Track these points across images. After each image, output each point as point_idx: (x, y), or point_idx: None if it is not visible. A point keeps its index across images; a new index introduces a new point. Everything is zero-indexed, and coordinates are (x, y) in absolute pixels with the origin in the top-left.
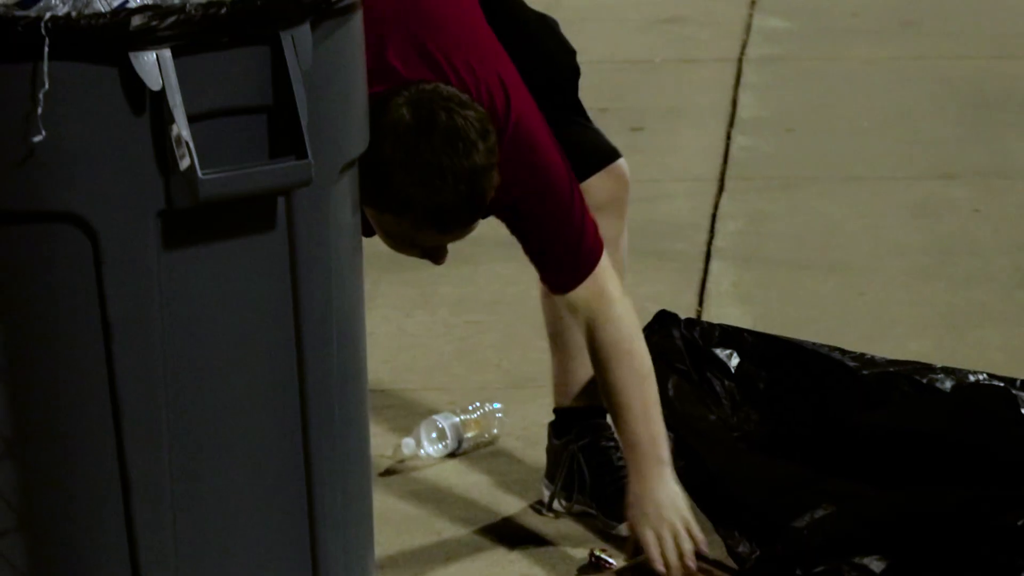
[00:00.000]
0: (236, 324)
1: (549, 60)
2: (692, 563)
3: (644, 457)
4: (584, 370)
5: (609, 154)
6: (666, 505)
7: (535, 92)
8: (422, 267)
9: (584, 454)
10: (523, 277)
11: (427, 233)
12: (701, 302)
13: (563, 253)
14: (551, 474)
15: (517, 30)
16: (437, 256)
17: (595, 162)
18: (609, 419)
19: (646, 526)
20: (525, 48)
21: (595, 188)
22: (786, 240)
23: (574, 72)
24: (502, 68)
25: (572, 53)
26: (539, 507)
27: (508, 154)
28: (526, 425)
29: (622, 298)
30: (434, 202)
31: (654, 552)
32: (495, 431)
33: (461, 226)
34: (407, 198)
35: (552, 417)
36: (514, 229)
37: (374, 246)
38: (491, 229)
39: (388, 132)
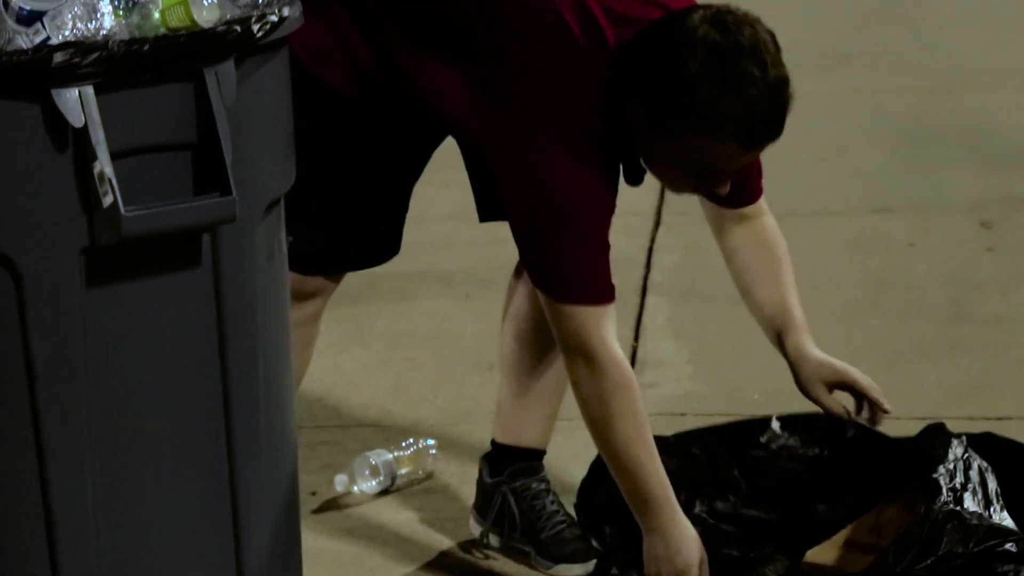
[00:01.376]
0: (161, 360)
1: None
2: None
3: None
4: (531, 410)
5: None
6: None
7: None
8: (357, 302)
9: (515, 497)
10: (458, 313)
11: (731, 151)
12: (637, 337)
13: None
14: (481, 508)
15: None
16: (724, 183)
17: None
18: (545, 461)
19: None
20: None
21: None
22: (722, 275)
23: None
24: None
25: None
26: (471, 545)
27: None
28: (461, 462)
29: (614, 364)
30: (749, 113)
31: None
32: (429, 468)
33: (771, 138)
34: (718, 113)
35: (487, 448)
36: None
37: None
38: (427, 264)
39: (693, 50)
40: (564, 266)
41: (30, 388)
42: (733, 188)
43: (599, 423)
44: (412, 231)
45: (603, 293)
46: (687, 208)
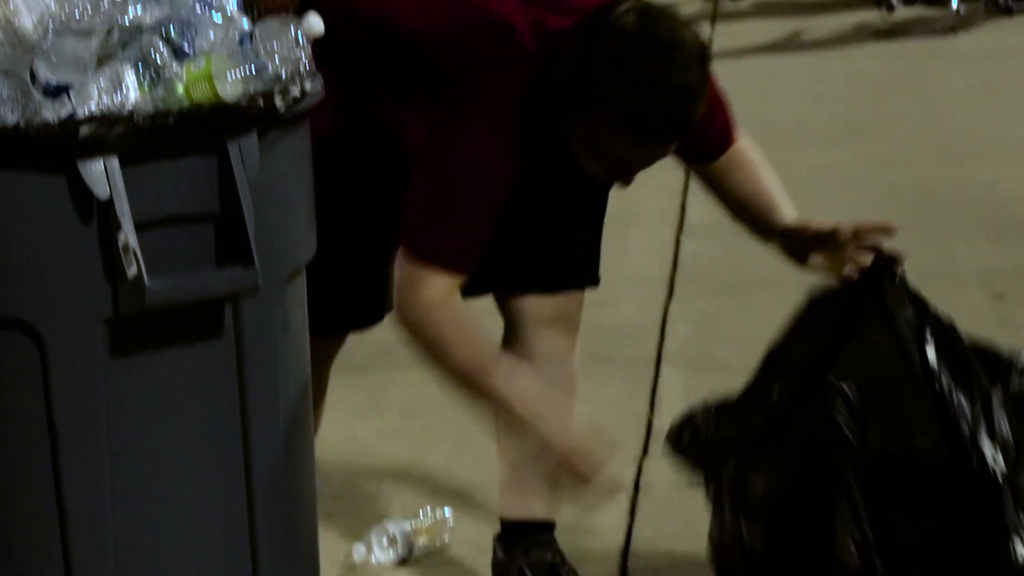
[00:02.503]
0: (183, 430)
1: None
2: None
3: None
4: (532, 481)
5: (585, 280)
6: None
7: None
8: (373, 371)
9: (532, 570)
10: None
11: (623, 140)
12: (653, 408)
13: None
14: None
15: None
16: (625, 175)
17: (572, 281)
18: (556, 534)
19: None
20: None
21: (554, 301)
22: (736, 344)
23: None
24: None
25: None
26: None
27: None
28: (478, 532)
29: (434, 308)
30: (636, 106)
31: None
32: (446, 538)
33: (655, 140)
34: (611, 96)
35: (498, 529)
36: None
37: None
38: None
39: (609, 32)
40: (440, 228)
41: (53, 456)
42: (699, 143)
43: (437, 364)
44: None
45: (459, 262)
46: (701, 277)
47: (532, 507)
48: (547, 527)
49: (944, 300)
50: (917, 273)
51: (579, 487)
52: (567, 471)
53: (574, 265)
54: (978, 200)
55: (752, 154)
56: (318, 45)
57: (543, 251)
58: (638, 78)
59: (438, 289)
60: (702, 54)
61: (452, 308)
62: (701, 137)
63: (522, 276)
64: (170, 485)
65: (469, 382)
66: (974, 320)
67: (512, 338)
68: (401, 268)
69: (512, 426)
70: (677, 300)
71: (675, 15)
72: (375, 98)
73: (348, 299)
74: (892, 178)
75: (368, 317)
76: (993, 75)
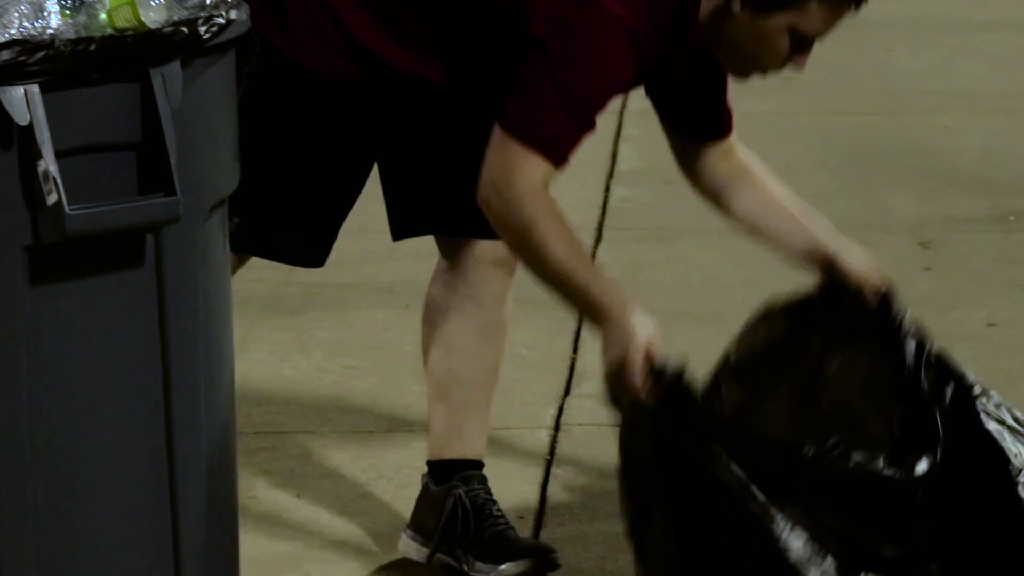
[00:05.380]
0: (103, 359)
1: None
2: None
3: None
4: (468, 424)
5: None
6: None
7: None
8: (298, 312)
9: (469, 499)
10: (399, 323)
11: (821, 14)
12: (576, 349)
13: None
14: (422, 524)
15: None
16: (803, 54)
17: None
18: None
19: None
20: None
21: (502, 244)
22: (663, 290)
23: None
24: None
25: None
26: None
27: None
28: (399, 469)
29: (533, 194)
30: None
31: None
32: None
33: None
34: None
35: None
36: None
37: (250, 291)
38: (368, 275)
39: None
40: (541, 113)
41: None
42: (711, 115)
43: (531, 253)
44: (353, 243)
45: (560, 153)
46: (630, 224)
47: (463, 447)
48: (478, 464)
49: (872, 248)
50: (847, 221)
51: (634, 386)
52: (632, 368)
53: None
54: (910, 150)
55: (766, 172)
56: None
57: None
58: None
59: (539, 176)
60: None
61: (550, 198)
62: (712, 110)
63: (475, 218)
64: (89, 410)
65: (559, 274)
66: (900, 267)
67: (453, 279)
68: (498, 150)
69: (595, 322)
70: (605, 246)
71: None
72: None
73: (306, 229)
74: (825, 129)
75: (313, 255)
76: (928, 26)
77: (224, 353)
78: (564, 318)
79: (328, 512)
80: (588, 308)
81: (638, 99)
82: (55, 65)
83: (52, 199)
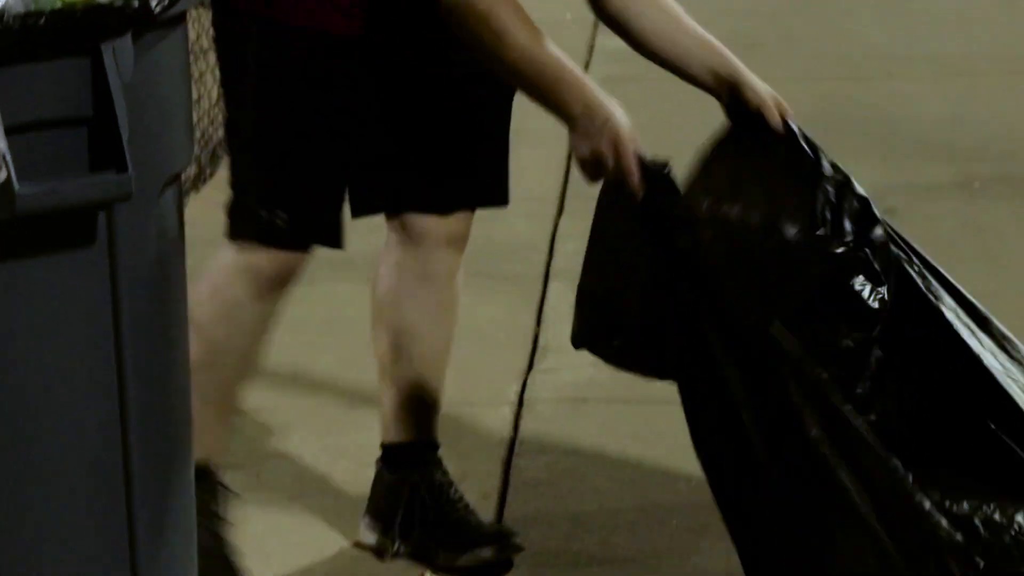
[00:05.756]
0: (54, 340)
1: None
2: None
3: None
4: (418, 403)
5: (493, 197)
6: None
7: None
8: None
9: (425, 487)
10: (358, 299)
11: None
12: (539, 322)
13: None
14: (380, 511)
15: None
16: None
17: (478, 197)
18: (440, 452)
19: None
20: None
21: (454, 221)
22: None
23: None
24: None
25: None
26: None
27: None
28: (360, 447)
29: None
30: None
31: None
32: None
33: None
34: None
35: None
36: None
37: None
38: (327, 250)
39: None
40: None
41: None
42: None
43: (491, 47)
44: None
45: None
46: (592, 193)
47: (417, 428)
48: (433, 446)
49: None
50: None
51: (604, 167)
52: (599, 150)
53: (483, 183)
54: (873, 117)
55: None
56: None
57: (449, 169)
58: None
59: None
60: None
61: None
62: None
63: (426, 194)
64: (40, 396)
65: (525, 58)
66: None
67: (403, 257)
68: None
69: (562, 105)
70: (567, 216)
71: None
72: None
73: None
74: (788, 95)
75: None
76: None
77: (179, 333)
78: (527, 292)
79: (289, 492)
80: (554, 93)
81: (600, 66)
82: (3, 40)
83: (1, 176)
